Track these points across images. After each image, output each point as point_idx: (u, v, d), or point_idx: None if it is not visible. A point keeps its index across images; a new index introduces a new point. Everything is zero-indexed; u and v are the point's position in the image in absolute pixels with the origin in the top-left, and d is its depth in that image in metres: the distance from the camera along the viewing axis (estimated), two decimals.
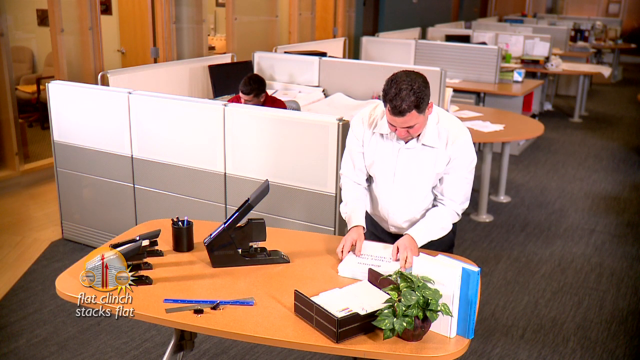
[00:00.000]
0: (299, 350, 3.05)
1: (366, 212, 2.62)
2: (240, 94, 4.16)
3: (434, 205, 2.51)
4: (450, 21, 13.34)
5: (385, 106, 2.25)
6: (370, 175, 2.57)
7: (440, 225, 2.45)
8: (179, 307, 2.04)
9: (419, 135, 2.37)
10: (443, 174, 2.42)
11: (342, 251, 2.37)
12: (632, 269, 4.42)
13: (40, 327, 3.42)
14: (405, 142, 2.39)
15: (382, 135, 2.43)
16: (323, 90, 5.83)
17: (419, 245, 2.38)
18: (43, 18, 7.54)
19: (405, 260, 2.27)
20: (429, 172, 2.41)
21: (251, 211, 2.36)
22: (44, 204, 5.15)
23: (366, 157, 2.51)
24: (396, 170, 2.44)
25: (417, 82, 2.19)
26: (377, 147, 2.45)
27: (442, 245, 2.58)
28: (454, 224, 2.58)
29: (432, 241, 2.47)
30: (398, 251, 2.34)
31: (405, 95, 2.16)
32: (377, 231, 2.65)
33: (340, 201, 2.63)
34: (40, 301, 3.68)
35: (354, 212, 2.50)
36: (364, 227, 2.47)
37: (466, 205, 2.50)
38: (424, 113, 2.25)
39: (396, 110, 2.19)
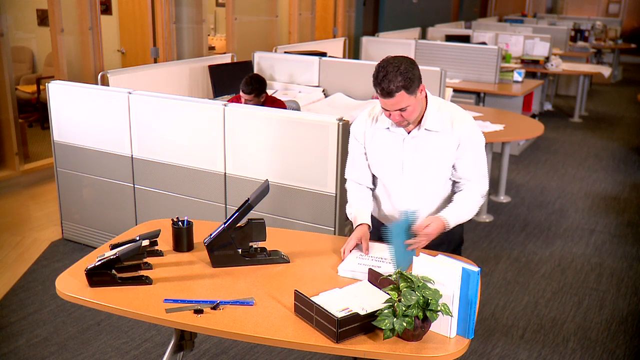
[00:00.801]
0: (299, 350, 3.05)
1: (376, 218, 2.63)
2: (241, 94, 4.16)
3: (454, 193, 2.52)
4: (450, 21, 13.34)
5: (376, 91, 2.28)
6: (375, 178, 2.57)
7: (468, 207, 2.45)
8: (179, 307, 2.04)
9: (420, 122, 2.38)
10: (455, 159, 2.43)
11: (344, 250, 2.37)
12: (632, 269, 4.42)
13: (40, 327, 3.42)
14: (408, 132, 2.41)
15: (384, 129, 2.45)
16: (323, 90, 5.83)
17: (450, 226, 2.38)
18: (43, 18, 7.54)
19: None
20: (438, 158, 2.42)
21: (251, 211, 2.36)
22: (44, 204, 5.15)
23: (370, 155, 2.52)
24: (404, 160, 2.44)
25: (403, 63, 2.23)
26: (381, 142, 2.47)
27: (452, 244, 2.59)
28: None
29: (441, 239, 2.47)
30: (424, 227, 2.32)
31: (393, 77, 2.21)
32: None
33: (346, 203, 2.63)
34: (40, 301, 3.68)
35: (359, 212, 2.51)
36: (369, 226, 2.47)
37: (486, 184, 2.50)
38: (414, 95, 2.27)
39: (385, 92, 2.23)
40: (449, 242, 2.56)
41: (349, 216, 2.57)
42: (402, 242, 2.28)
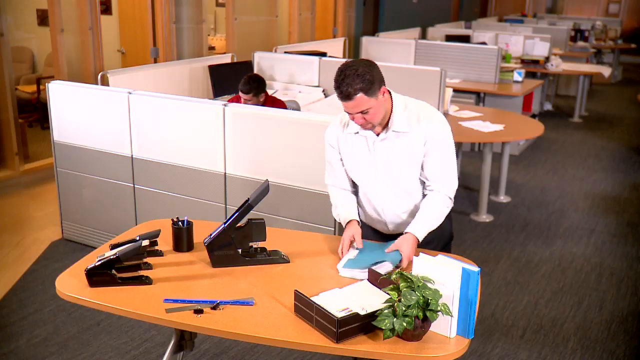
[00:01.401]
0: (299, 350, 3.05)
1: (362, 220, 2.64)
2: (240, 94, 4.16)
3: (423, 196, 2.50)
4: (450, 21, 13.34)
5: (337, 95, 2.28)
6: (354, 182, 2.58)
7: (434, 213, 2.43)
8: (179, 307, 2.04)
9: (387, 123, 2.38)
10: (423, 157, 2.41)
11: (342, 251, 2.38)
12: (632, 269, 4.42)
13: (40, 327, 3.42)
14: (377, 135, 2.41)
15: (354, 134, 2.45)
16: (323, 90, 5.84)
17: (421, 239, 2.37)
18: (43, 18, 7.54)
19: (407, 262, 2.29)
20: (410, 158, 2.41)
21: (251, 211, 2.36)
22: (44, 204, 5.15)
23: (345, 161, 2.52)
24: (377, 163, 2.44)
25: (361, 66, 2.25)
26: (353, 147, 2.47)
27: (442, 240, 2.58)
28: (450, 216, 2.58)
29: (431, 235, 2.46)
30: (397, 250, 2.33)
31: (351, 80, 2.22)
32: (377, 238, 2.62)
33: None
34: (40, 301, 3.68)
35: (346, 211, 2.52)
36: (358, 222, 2.48)
37: (455, 186, 2.47)
38: (374, 96, 2.26)
39: (344, 95, 2.24)
40: (439, 238, 2.56)
41: (336, 218, 2.57)
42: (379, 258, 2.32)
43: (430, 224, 2.42)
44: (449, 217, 2.56)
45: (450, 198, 2.47)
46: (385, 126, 2.39)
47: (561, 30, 10.87)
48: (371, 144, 2.43)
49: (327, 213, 3.44)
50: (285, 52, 6.49)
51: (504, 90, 6.90)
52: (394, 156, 2.41)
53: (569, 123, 9.11)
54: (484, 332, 3.52)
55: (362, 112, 2.27)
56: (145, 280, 2.20)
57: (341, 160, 2.54)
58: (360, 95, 2.23)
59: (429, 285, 1.90)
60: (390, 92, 2.39)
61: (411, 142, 2.39)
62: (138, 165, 4.01)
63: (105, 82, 4.59)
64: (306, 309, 1.97)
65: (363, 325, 1.90)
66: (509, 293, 3.98)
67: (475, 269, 1.91)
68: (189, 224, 2.46)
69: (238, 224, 2.35)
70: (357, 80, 2.21)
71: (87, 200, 4.32)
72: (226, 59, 6.02)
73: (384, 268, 2.26)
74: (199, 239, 2.44)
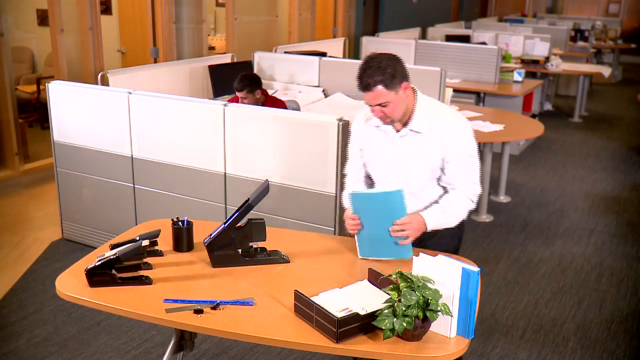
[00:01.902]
0: (299, 350, 3.05)
1: None
2: (236, 93, 4.17)
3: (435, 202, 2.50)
4: (450, 21, 13.34)
5: (357, 85, 2.31)
6: (370, 177, 2.59)
7: (451, 209, 2.42)
8: (179, 307, 2.04)
9: (407, 121, 2.39)
10: (444, 163, 2.41)
11: (351, 231, 2.39)
12: (632, 269, 4.42)
13: (40, 327, 3.42)
14: (397, 131, 2.42)
15: (375, 127, 2.47)
16: (323, 90, 5.83)
17: (429, 228, 2.37)
18: (43, 18, 7.54)
19: (403, 235, 2.32)
20: (426, 160, 2.41)
21: (251, 211, 2.36)
22: (44, 204, 5.15)
23: (365, 153, 2.54)
24: (395, 159, 2.45)
25: (385, 60, 2.28)
26: (372, 141, 2.50)
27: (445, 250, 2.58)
28: (461, 230, 2.57)
29: (437, 244, 2.46)
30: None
31: (372, 72, 2.26)
32: None
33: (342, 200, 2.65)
34: (40, 301, 3.68)
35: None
36: None
37: (477, 191, 2.45)
38: (394, 90, 2.28)
39: (363, 85, 2.28)
40: (442, 249, 2.54)
41: (344, 205, 2.58)
42: (382, 225, 2.32)
43: (444, 217, 2.41)
44: (458, 237, 2.56)
45: (472, 200, 2.46)
46: (405, 124, 2.40)
47: (561, 30, 10.87)
48: (390, 139, 2.45)
49: (327, 213, 3.45)
50: (285, 52, 6.49)
51: (504, 90, 6.90)
52: (411, 155, 2.42)
53: (569, 123, 9.11)
54: (484, 332, 3.52)
55: (380, 105, 2.30)
56: (145, 280, 2.19)
57: (361, 152, 2.56)
58: (379, 87, 2.26)
59: (429, 285, 1.90)
60: (414, 90, 2.39)
61: (429, 144, 2.39)
62: (138, 165, 4.01)
63: (105, 82, 4.59)
64: (306, 309, 1.97)
65: (363, 325, 1.90)
66: (509, 293, 3.98)
67: (475, 269, 1.91)
68: (189, 224, 2.47)
69: (238, 224, 2.35)
70: (377, 72, 2.25)
71: (87, 200, 4.32)
72: (226, 59, 6.02)
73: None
74: (199, 239, 2.44)
